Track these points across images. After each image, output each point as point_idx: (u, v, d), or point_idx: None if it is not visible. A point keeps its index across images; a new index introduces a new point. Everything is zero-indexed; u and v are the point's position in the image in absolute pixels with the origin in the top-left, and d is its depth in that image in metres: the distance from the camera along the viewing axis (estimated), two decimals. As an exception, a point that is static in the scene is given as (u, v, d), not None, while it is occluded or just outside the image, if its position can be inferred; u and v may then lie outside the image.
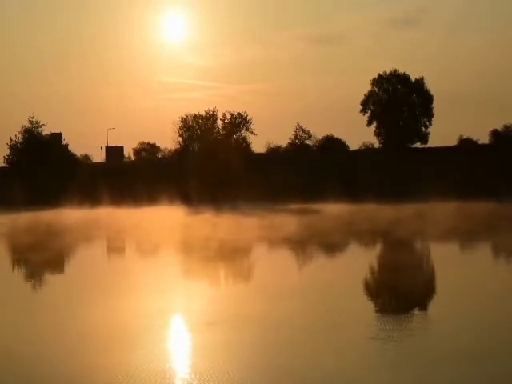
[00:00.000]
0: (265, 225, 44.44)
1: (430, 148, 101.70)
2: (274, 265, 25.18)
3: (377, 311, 15.47)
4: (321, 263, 25.76)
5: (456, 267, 22.86)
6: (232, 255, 27.87)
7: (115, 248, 34.80)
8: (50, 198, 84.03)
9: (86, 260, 29.21)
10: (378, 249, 31.72)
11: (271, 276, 21.64)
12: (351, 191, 79.59)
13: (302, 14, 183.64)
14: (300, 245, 32.36)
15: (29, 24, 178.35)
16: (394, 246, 31.29)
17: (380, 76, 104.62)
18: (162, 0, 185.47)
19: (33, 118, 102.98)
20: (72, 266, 27.45)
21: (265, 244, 33.38)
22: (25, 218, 62.20)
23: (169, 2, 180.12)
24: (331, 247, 31.12)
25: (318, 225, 46.04)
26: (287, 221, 49.77)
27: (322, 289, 18.46)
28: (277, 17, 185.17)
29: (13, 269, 26.67)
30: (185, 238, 37.98)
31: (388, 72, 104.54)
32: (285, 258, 27.59)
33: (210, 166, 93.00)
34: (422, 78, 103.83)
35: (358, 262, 25.54)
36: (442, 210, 55.57)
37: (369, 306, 16.18)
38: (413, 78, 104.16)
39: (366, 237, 36.15)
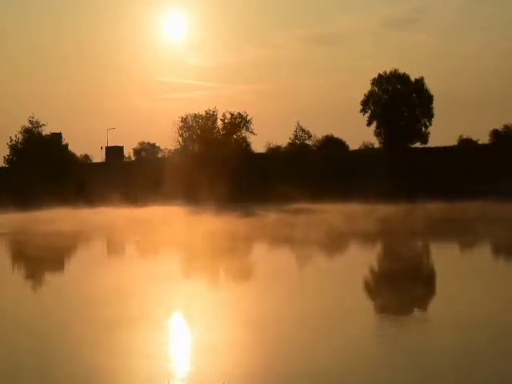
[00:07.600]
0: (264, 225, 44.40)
1: (430, 148, 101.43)
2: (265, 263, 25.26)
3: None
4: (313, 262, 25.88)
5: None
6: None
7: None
8: (48, 197, 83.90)
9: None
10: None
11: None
12: (351, 191, 79.36)
13: (302, 14, 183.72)
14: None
15: (29, 24, 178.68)
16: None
17: (380, 76, 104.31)
18: (162, 0, 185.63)
19: (33, 117, 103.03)
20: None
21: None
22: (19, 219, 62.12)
23: (169, 2, 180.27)
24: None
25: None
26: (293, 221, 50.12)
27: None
28: (277, 17, 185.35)
29: None
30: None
31: (388, 72, 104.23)
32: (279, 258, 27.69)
33: (209, 165, 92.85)
34: (422, 78, 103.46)
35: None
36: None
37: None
38: (413, 78, 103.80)
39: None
